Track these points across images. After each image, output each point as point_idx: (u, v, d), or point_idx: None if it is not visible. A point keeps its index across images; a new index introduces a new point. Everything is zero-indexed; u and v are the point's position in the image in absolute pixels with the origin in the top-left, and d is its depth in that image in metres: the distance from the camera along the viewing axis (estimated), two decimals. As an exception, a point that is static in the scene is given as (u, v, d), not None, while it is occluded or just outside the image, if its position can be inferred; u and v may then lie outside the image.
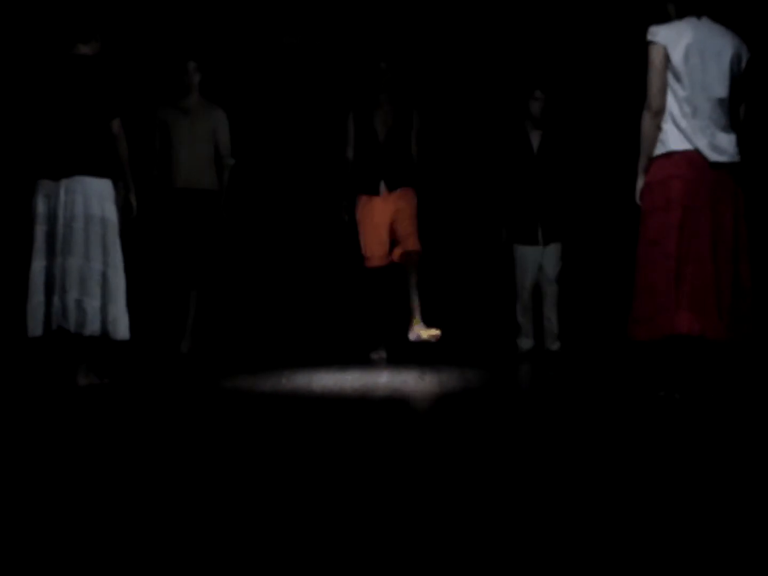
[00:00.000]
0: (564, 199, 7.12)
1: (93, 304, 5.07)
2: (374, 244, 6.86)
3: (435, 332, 6.71)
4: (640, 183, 4.67)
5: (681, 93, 4.56)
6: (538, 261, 7.09)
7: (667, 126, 4.58)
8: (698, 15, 4.61)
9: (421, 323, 6.78)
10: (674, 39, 4.54)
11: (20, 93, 5.49)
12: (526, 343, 7.17)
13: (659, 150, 4.59)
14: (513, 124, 7.26)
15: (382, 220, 6.83)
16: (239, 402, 4.76)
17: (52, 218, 5.09)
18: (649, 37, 4.58)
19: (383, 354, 6.87)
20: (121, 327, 5.16)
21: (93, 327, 5.07)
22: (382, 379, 5.63)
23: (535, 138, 7.14)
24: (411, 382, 5.53)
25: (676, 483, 3.02)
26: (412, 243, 6.78)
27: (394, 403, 4.81)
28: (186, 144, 6.92)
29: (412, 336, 6.81)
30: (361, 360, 6.18)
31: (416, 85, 7.60)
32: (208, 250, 6.92)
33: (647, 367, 4.91)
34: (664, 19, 4.67)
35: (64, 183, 5.08)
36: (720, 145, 4.56)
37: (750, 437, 3.85)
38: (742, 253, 4.58)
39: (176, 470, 3.19)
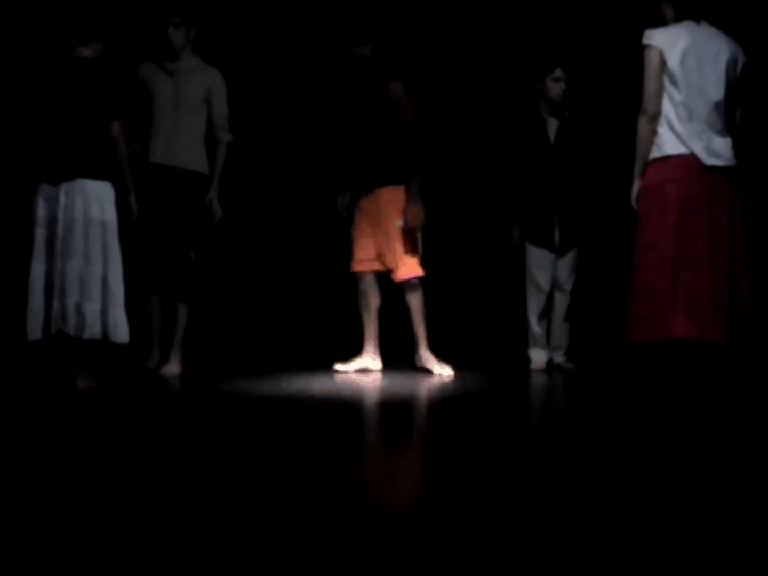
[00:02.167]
0: (584, 196, 6.29)
1: (92, 308, 5.07)
2: (358, 249, 6.03)
3: (448, 371, 5.88)
4: (636, 187, 4.69)
5: (677, 97, 4.57)
6: (553, 264, 6.27)
7: (663, 130, 4.59)
8: (697, 19, 4.62)
9: (430, 354, 5.97)
10: (670, 43, 4.56)
11: (19, 96, 5.49)
12: (540, 355, 6.33)
13: (655, 154, 4.60)
14: (527, 109, 6.39)
15: (366, 230, 6.00)
16: (238, 406, 4.76)
17: (52, 221, 5.09)
18: (645, 41, 4.59)
19: (350, 368, 6.03)
20: (121, 330, 5.17)
21: (93, 330, 5.07)
22: (381, 383, 5.63)
23: (552, 125, 6.27)
24: (410, 385, 5.53)
25: (672, 486, 3.02)
26: (404, 271, 5.85)
27: (393, 407, 4.81)
28: (169, 111, 5.75)
29: (419, 363, 6.00)
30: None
31: (412, 67, 6.65)
32: (189, 247, 5.78)
33: (644, 370, 4.91)
34: (661, 22, 4.69)
35: (63, 186, 5.08)
36: (716, 149, 4.57)
37: (748, 441, 3.86)
38: (738, 255, 4.60)
39: (175, 474, 3.19)
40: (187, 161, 5.78)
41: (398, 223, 5.87)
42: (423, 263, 5.98)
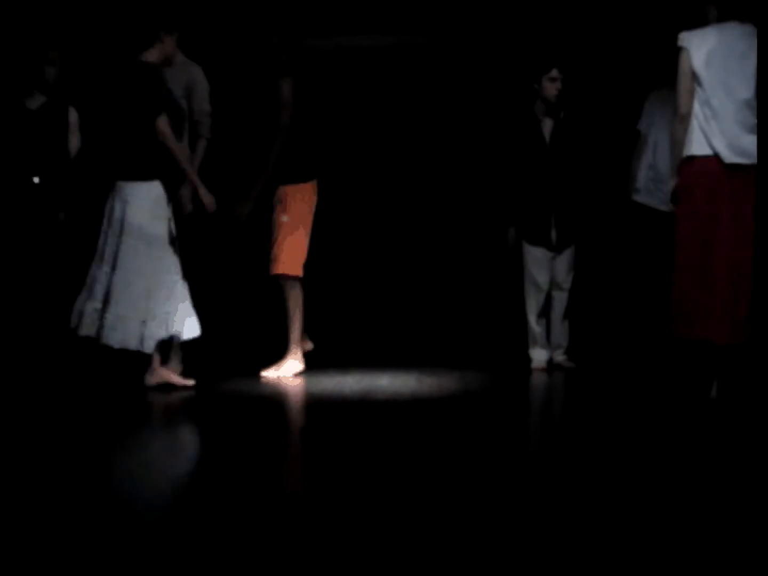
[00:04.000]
0: (580, 196, 6.28)
1: (96, 308, 5.06)
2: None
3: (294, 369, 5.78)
4: (672, 184, 4.85)
5: (702, 96, 4.72)
6: (551, 263, 6.25)
7: (693, 128, 4.73)
8: (741, 19, 4.69)
9: (295, 353, 5.83)
10: (698, 44, 4.70)
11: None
12: (540, 354, 6.27)
13: (686, 152, 4.74)
14: (522, 110, 6.35)
15: None
16: (238, 405, 4.76)
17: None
18: (678, 43, 4.75)
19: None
20: (114, 334, 5.04)
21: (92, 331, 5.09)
22: (382, 382, 5.62)
23: (548, 125, 6.24)
24: (411, 384, 5.53)
25: (671, 485, 3.02)
26: (272, 267, 5.81)
27: (394, 406, 4.81)
28: None
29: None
30: (360, 362, 6.15)
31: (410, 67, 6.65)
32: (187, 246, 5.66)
33: (667, 372, 4.95)
34: (703, 23, 4.80)
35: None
36: (743, 147, 4.68)
37: (749, 443, 3.86)
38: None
39: (176, 473, 3.19)
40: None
41: (284, 218, 5.83)
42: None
